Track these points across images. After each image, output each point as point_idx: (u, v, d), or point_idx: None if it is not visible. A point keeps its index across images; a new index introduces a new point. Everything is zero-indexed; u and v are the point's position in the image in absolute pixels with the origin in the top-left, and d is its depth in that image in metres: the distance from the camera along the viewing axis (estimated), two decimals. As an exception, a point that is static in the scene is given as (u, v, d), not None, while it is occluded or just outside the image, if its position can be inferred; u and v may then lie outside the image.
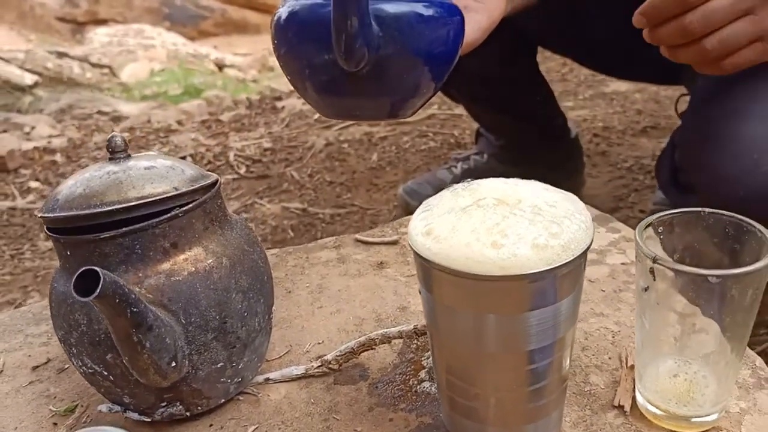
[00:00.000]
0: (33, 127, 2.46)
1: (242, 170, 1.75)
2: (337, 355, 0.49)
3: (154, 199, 0.42)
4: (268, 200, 1.55)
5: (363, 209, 1.44)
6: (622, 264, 0.59)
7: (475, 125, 1.40)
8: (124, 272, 0.42)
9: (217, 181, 0.46)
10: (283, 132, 2.02)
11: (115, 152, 0.45)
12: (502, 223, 0.33)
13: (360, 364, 0.50)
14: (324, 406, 0.46)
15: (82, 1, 9.28)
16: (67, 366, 0.54)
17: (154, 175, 0.43)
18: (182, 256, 0.43)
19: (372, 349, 0.49)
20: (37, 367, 0.54)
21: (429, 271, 0.35)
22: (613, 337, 0.49)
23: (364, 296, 0.58)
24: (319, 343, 0.53)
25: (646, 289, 0.38)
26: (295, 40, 0.46)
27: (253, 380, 0.49)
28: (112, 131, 2.24)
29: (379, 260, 0.63)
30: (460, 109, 1.85)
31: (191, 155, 1.89)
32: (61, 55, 5.46)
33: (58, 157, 2.03)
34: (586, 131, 1.81)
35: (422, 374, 0.48)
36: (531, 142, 1.30)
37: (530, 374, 0.36)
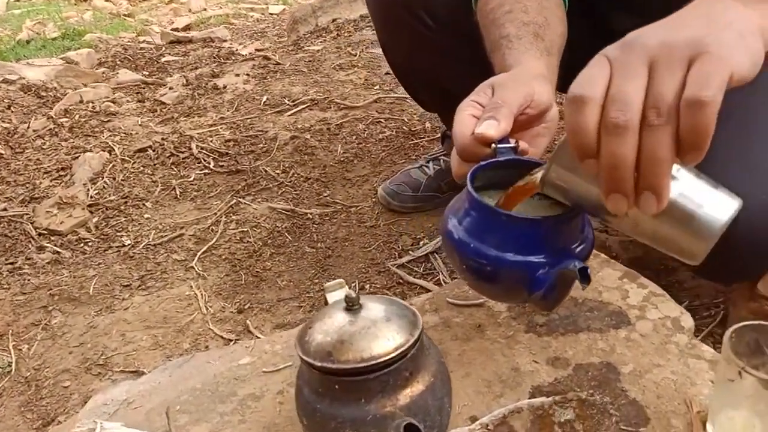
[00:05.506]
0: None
1: (211, 164, 1.82)
2: (491, 419, 0.69)
3: (403, 348, 0.58)
4: (251, 199, 1.66)
5: (346, 207, 1.60)
6: (659, 318, 0.81)
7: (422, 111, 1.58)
8: (381, 398, 0.58)
9: (422, 327, 0.62)
10: (235, 118, 2.08)
11: (353, 305, 0.60)
12: None
13: (507, 422, 0.69)
14: (493, 459, 0.66)
15: None
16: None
17: (394, 325, 0.59)
18: (416, 380, 0.60)
19: (518, 412, 0.69)
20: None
21: None
22: (674, 384, 0.72)
23: (480, 359, 0.77)
24: (465, 405, 0.72)
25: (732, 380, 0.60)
26: (481, 273, 0.61)
27: (439, 445, 0.68)
28: (48, 115, 2.18)
29: (476, 323, 0.82)
30: (401, 92, 2.00)
31: (151, 147, 1.92)
32: None
33: (1, 149, 1.97)
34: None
35: (555, 428, 0.69)
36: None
37: None
